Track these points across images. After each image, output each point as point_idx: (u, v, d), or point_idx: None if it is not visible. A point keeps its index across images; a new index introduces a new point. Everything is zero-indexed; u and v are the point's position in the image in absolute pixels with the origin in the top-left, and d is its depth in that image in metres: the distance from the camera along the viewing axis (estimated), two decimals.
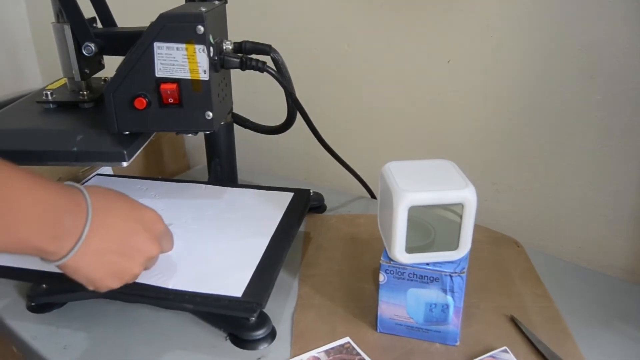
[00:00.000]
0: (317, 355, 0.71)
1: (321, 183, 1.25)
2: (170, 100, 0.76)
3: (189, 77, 0.75)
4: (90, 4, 0.88)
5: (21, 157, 0.78)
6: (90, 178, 1.04)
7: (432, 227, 0.70)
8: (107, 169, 1.08)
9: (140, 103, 0.75)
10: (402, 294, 0.71)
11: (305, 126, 0.96)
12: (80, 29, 0.81)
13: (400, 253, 0.69)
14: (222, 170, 1.03)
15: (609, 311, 0.80)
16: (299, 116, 0.95)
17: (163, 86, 0.75)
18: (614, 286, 0.86)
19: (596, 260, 1.00)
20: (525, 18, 0.93)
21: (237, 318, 0.74)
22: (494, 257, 0.92)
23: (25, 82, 1.56)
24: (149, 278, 0.74)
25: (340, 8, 1.11)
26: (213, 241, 0.83)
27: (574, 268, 0.91)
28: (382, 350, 0.72)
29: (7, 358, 0.88)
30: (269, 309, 0.75)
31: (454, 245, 0.69)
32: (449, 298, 0.70)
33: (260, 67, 0.83)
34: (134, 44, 0.74)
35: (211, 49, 0.75)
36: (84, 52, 0.82)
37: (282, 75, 0.88)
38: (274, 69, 0.87)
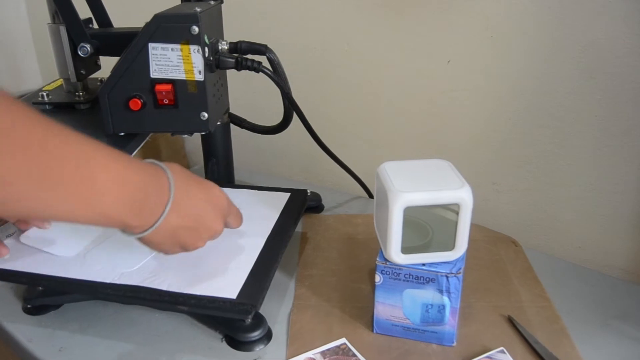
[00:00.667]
0: (313, 356, 0.71)
1: (319, 183, 1.24)
2: (166, 101, 0.76)
3: (184, 78, 0.75)
4: (86, 4, 0.88)
5: None
6: None
7: (430, 226, 0.69)
8: None
9: (135, 104, 0.75)
10: (398, 295, 0.71)
11: (303, 126, 0.96)
12: (75, 29, 0.81)
13: (395, 254, 0.68)
14: (219, 171, 1.03)
15: (608, 311, 0.80)
16: (296, 116, 0.95)
17: (158, 87, 0.75)
18: (613, 286, 0.86)
19: (596, 260, 0.99)
20: (525, 18, 0.93)
21: (232, 319, 0.74)
22: (492, 256, 0.91)
23: (25, 82, 1.56)
24: (144, 280, 0.74)
25: (340, 8, 1.10)
26: (208, 242, 0.83)
27: (573, 268, 0.90)
28: (379, 351, 0.72)
29: None
30: (265, 309, 0.75)
31: (450, 245, 0.69)
32: (445, 299, 0.69)
33: (256, 67, 0.83)
34: (129, 45, 0.74)
35: (206, 49, 0.74)
36: (79, 53, 0.82)
37: (278, 76, 0.88)
38: (270, 69, 0.86)
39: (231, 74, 0.91)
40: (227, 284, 0.73)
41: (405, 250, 0.68)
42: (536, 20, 0.92)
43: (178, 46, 0.73)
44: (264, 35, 0.96)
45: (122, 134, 0.78)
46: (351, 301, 0.81)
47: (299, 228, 0.99)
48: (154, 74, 0.74)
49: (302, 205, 0.95)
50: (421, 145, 1.13)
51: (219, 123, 0.95)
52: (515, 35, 0.95)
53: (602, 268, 0.98)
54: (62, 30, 0.81)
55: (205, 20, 0.74)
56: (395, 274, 0.70)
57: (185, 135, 0.83)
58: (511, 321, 0.76)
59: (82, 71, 0.85)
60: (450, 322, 0.71)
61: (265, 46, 0.88)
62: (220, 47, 0.81)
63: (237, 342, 0.74)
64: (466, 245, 0.69)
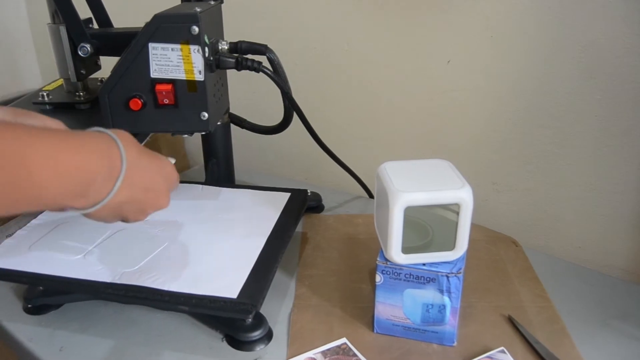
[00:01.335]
0: (313, 356, 0.71)
1: (319, 183, 1.24)
2: (166, 101, 0.76)
3: (184, 78, 0.75)
4: (86, 4, 0.88)
5: None
6: None
7: (430, 226, 0.69)
8: None
9: (136, 104, 0.75)
10: (398, 295, 0.71)
11: (303, 126, 0.96)
12: (76, 29, 0.81)
13: (396, 253, 0.68)
14: (219, 171, 1.03)
15: (608, 311, 0.80)
16: (296, 116, 0.95)
17: (158, 87, 0.75)
18: (614, 286, 0.86)
19: (596, 260, 1.00)
20: (525, 18, 0.93)
21: (233, 319, 0.74)
22: (492, 256, 0.91)
23: (25, 82, 1.55)
24: (144, 280, 0.74)
25: (340, 8, 1.10)
26: (209, 242, 0.83)
27: (573, 268, 0.90)
28: (379, 351, 0.72)
29: None
30: (265, 309, 0.75)
31: (450, 245, 0.69)
32: (446, 298, 0.69)
33: (256, 67, 0.83)
34: (129, 45, 0.74)
35: (206, 49, 0.74)
36: (79, 52, 0.82)
37: (278, 75, 0.88)
38: (270, 69, 0.86)
39: (231, 74, 0.91)
40: (228, 284, 0.73)
41: (406, 250, 0.68)
42: (536, 20, 0.92)
43: (178, 46, 0.73)
44: (264, 36, 0.96)
45: None
46: (352, 301, 0.81)
47: (299, 228, 0.99)
48: (154, 74, 0.75)
49: (302, 205, 0.95)
50: (421, 145, 1.13)
51: (219, 123, 0.95)
52: (515, 35, 0.95)
53: (602, 268, 0.98)
54: (62, 30, 0.81)
55: (205, 20, 0.74)
56: (396, 274, 0.70)
57: (186, 135, 0.83)
58: (511, 321, 0.76)
59: (82, 71, 0.85)
60: (451, 322, 0.71)
61: (266, 46, 0.88)
62: (220, 47, 0.81)
63: (237, 342, 0.74)
64: (466, 245, 0.69)
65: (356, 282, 0.86)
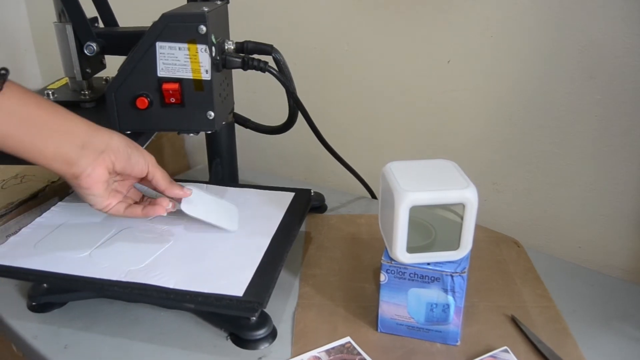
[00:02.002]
0: (317, 355, 0.71)
1: (322, 183, 1.25)
2: (172, 100, 0.76)
3: (191, 77, 0.75)
4: (92, 3, 0.88)
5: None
6: None
7: (433, 227, 0.70)
8: None
9: (142, 103, 0.75)
10: (403, 294, 0.72)
11: (307, 126, 0.96)
12: (82, 28, 0.81)
13: (401, 253, 0.69)
14: (223, 170, 1.03)
15: (609, 311, 0.80)
16: (300, 116, 0.95)
17: (165, 86, 0.75)
18: (614, 286, 0.87)
19: (596, 260, 1.00)
20: (525, 18, 0.93)
21: (238, 318, 0.74)
22: (495, 257, 0.92)
23: (25, 82, 1.53)
24: (150, 278, 0.74)
25: (341, 8, 1.11)
26: (214, 241, 0.83)
27: (574, 268, 0.91)
28: (383, 350, 0.72)
29: (8, 358, 0.88)
30: (269, 308, 0.75)
31: (455, 245, 0.69)
32: (450, 298, 0.70)
33: (262, 67, 0.83)
34: (136, 44, 0.74)
35: (213, 48, 0.75)
36: (85, 51, 0.82)
37: (283, 75, 0.88)
38: (276, 69, 0.87)
39: (235, 74, 0.91)
40: (233, 282, 0.73)
41: (410, 249, 0.69)
42: (536, 20, 0.93)
43: (185, 45, 0.73)
44: (264, 36, 0.96)
45: (129, 132, 0.78)
46: (355, 300, 0.82)
47: (302, 228, 0.99)
48: (161, 73, 0.75)
49: (306, 204, 0.95)
50: (421, 145, 1.14)
51: (224, 122, 0.96)
52: (515, 35, 0.95)
53: (602, 268, 0.98)
54: (69, 29, 0.81)
55: (212, 20, 0.74)
56: (401, 273, 0.71)
57: (189, 135, 0.83)
58: (514, 321, 0.77)
59: (87, 70, 0.85)
60: (455, 322, 0.71)
61: (271, 46, 0.88)
62: (226, 47, 0.82)
63: (242, 341, 0.74)
64: (471, 245, 0.69)
65: (359, 281, 0.86)
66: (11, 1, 1.53)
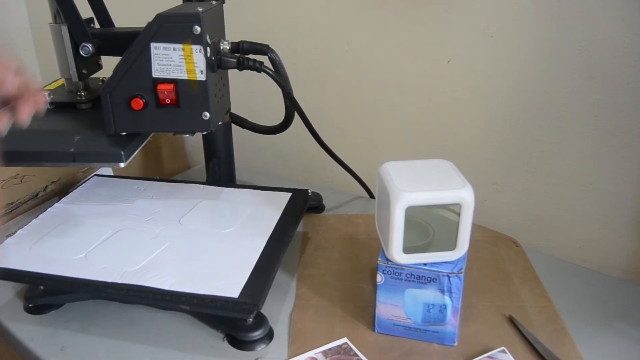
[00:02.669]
0: (314, 355, 0.71)
1: (320, 183, 1.25)
2: (167, 101, 0.76)
3: (186, 78, 0.75)
4: (87, 4, 0.88)
5: (19, 157, 0.78)
6: (89, 178, 1.04)
7: (432, 226, 0.70)
8: (107, 169, 1.09)
9: (137, 104, 0.75)
10: (399, 295, 0.71)
11: (304, 126, 0.96)
12: (77, 29, 0.81)
13: (397, 253, 0.68)
14: (220, 171, 1.03)
15: (608, 311, 0.80)
16: (297, 116, 0.95)
17: (160, 87, 0.75)
18: (614, 286, 0.86)
19: (596, 260, 1.00)
20: (525, 18, 0.93)
21: (234, 319, 0.74)
22: (493, 256, 0.91)
23: None
24: (146, 279, 0.74)
25: (340, 8, 1.10)
26: (210, 242, 0.83)
27: (574, 268, 0.91)
28: (380, 350, 0.72)
29: None
30: (266, 309, 0.75)
31: (451, 245, 0.69)
32: (447, 298, 0.69)
33: (258, 67, 0.83)
34: (131, 45, 0.74)
35: (208, 49, 0.74)
36: (81, 52, 0.82)
37: (279, 75, 0.88)
38: (272, 68, 0.87)
39: (232, 74, 0.91)
40: (229, 284, 0.73)
41: (407, 250, 0.68)
42: (536, 20, 0.92)
43: (180, 46, 0.73)
44: (264, 36, 0.96)
45: (124, 133, 0.78)
46: (352, 301, 0.81)
47: (300, 228, 0.99)
48: (155, 74, 0.74)
49: (303, 205, 0.95)
50: (421, 145, 1.13)
51: (220, 123, 0.95)
52: (515, 35, 0.95)
53: (602, 268, 0.98)
54: (64, 29, 0.81)
55: (207, 20, 0.74)
56: (397, 274, 0.70)
57: (187, 135, 0.83)
58: (512, 321, 0.76)
59: (83, 71, 0.84)
60: (452, 322, 0.71)
61: (267, 46, 0.88)
62: (222, 47, 0.81)
63: (238, 342, 0.74)
64: (467, 245, 0.69)
65: (357, 281, 0.86)
66: (11, 1, 1.53)
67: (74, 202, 0.95)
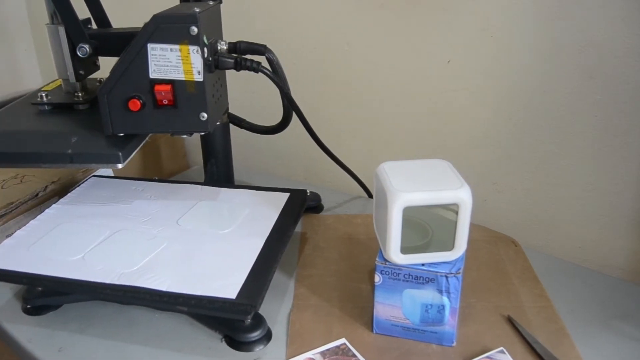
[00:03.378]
0: (312, 356, 0.71)
1: (318, 183, 1.24)
2: (165, 102, 0.76)
3: (183, 78, 0.75)
4: (84, 5, 0.88)
5: (16, 159, 0.78)
6: (88, 179, 1.04)
7: (430, 226, 0.69)
8: (106, 170, 1.08)
9: (135, 104, 0.75)
10: (397, 295, 0.71)
11: (302, 126, 0.96)
12: (74, 30, 0.81)
13: (395, 254, 0.68)
14: (218, 171, 1.03)
15: (608, 311, 0.80)
16: (295, 116, 0.95)
17: (157, 87, 0.75)
18: (614, 286, 0.86)
19: (596, 260, 0.99)
20: (525, 18, 0.93)
21: (232, 320, 0.74)
22: (492, 256, 0.91)
23: (25, 82, 1.56)
24: (143, 280, 0.74)
25: (340, 8, 1.10)
26: (208, 242, 0.83)
27: (573, 268, 0.90)
28: (378, 351, 0.72)
29: None
30: (264, 310, 0.75)
31: (449, 245, 0.69)
32: (445, 299, 0.69)
33: (255, 68, 0.83)
34: (128, 45, 0.74)
35: (205, 49, 0.74)
36: (78, 53, 0.81)
37: (277, 76, 0.88)
38: (269, 69, 0.86)
39: (230, 74, 0.91)
40: (227, 284, 0.73)
41: (405, 250, 0.68)
42: (536, 20, 0.92)
43: (177, 47, 0.73)
44: (264, 36, 0.96)
45: (122, 134, 0.78)
46: (351, 301, 0.81)
47: (298, 228, 0.99)
48: (153, 75, 0.74)
49: (301, 205, 0.95)
50: (421, 145, 1.13)
51: (218, 123, 0.95)
52: (515, 35, 0.95)
53: (602, 268, 0.97)
54: (61, 30, 0.81)
55: (204, 21, 0.74)
56: (395, 274, 0.70)
57: (185, 136, 0.83)
58: (511, 321, 0.76)
59: (81, 71, 0.84)
60: (450, 322, 0.71)
61: (265, 46, 0.88)
62: (219, 48, 0.81)
63: (236, 343, 0.74)
64: (465, 245, 0.69)
65: (355, 282, 0.85)
66: (11, 1, 1.53)
67: (71, 203, 0.95)
